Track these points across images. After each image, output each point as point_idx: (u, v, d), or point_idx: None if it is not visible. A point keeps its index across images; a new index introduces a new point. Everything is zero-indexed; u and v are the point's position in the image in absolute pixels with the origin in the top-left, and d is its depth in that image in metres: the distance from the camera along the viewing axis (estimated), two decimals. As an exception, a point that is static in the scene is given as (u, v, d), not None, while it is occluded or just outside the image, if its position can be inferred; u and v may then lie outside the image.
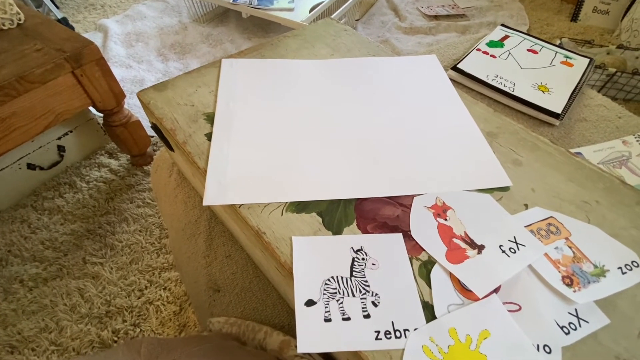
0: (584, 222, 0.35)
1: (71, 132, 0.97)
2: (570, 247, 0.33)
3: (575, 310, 0.29)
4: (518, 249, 0.32)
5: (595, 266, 0.32)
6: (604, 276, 0.31)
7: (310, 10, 1.23)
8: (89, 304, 0.79)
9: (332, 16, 1.21)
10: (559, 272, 0.31)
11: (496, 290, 0.30)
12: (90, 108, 0.92)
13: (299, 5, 1.27)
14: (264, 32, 1.49)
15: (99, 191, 0.98)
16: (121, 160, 1.05)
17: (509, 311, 0.29)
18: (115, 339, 0.75)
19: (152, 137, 1.07)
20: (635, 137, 0.60)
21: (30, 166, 0.92)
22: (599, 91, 1.18)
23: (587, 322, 0.29)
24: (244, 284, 0.43)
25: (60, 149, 0.97)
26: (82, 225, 0.91)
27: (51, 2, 1.41)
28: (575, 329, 0.28)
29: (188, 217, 0.51)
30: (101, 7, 1.65)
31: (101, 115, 0.89)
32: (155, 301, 0.79)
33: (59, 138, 0.95)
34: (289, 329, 0.39)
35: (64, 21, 1.42)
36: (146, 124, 1.00)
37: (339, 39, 0.58)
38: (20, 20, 0.79)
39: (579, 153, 0.58)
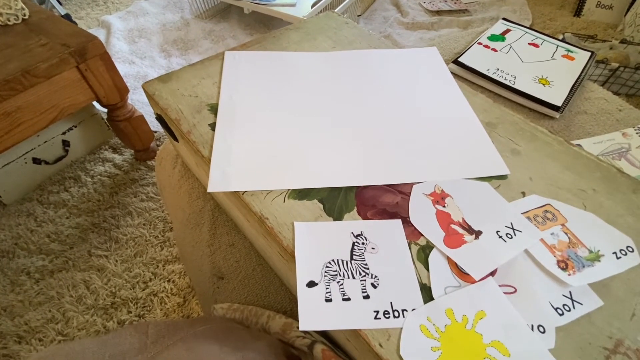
0: (580, 209, 0.36)
1: (76, 127, 0.98)
2: (566, 233, 0.34)
3: (570, 292, 0.30)
4: (515, 235, 0.33)
5: (590, 251, 0.33)
6: (599, 261, 0.32)
7: (312, 6, 1.23)
8: (94, 295, 0.80)
9: (334, 11, 1.21)
10: (554, 256, 0.32)
11: (492, 274, 0.31)
12: (95, 103, 0.93)
13: (301, 0, 1.27)
14: (265, 28, 1.49)
15: (104, 185, 0.99)
16: (125, 155, 1.06)
17: (505, 293, 0.29)
18: (121, 329, 0.77)
19: (156, 132, 1.08)
20: (635, 130, 0.61)
21: (36, 160, 0.94)
22: (601, 86, 1.18)
23: (581, 304, 0.29)
24: (247, 271, 0.44)
25: (65, 143, 0.98)
26: (87, 218, 0.92)
27: (55, -1, 1.42)
28: (569, 311, 0.29)
29: (192, 208, 0.51)
30: (104, 3, 1.66)
31: (105, 110, 0.90)
32: (160, 293, 0.81)
33: (64, 133, 0.97)
34: (291, 314, 0.40)
35: (67, 17, 1.43)
36: (149, 119, 1.01)
37: (341, 32, 0.58)
38: (25, 15, 0.80)
39: (579, 145, 0.59)
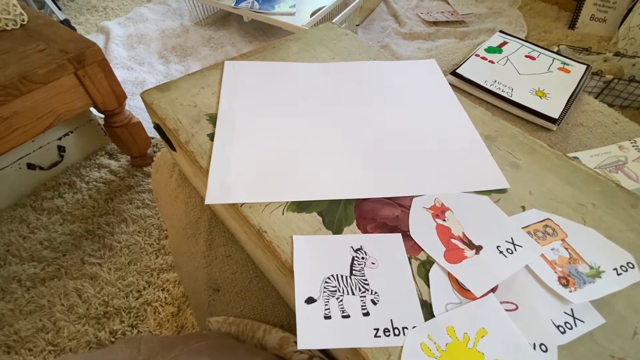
0: (580, 224, 0.36)
1: (72, 132, 0.98)
2: (566, 249, 0.34)
3: (571, 310, 0.30)
4: (515, 250, 0.33)
5: (591, 267, 0.32)
6: (600, 277, 0.32)
7: (311, 15, 1.24)
8: (86, 304, 0.78)
9: (333, 21, 1.22)
10: (555, 272, 0.32)
11: (494, 290, 0.30)
12: (92, 109, 0.92)
13: (300, 9, 1.28)
14: (265, 36, 1.50)
15: (99, 192, 0.98)
16: (121, 161, 1.05)
17: (506, 310, 0.29)
18: (113, 339, 0.75)
19: (153, 138, 1.08)
20: (632, 143, 0.61)
21: (30, 166, 0.92)
22: (596, 98, 1.19)
23: (583, 321, 0.29)
24: (243, 284, 0.44)
25: (61, 149, 0.97)
26: (81, 225, 0.91)
27: (54, 4, 1.42)
28: (571, 328, 0.29)
29: (188, 217, 0.51)
30: (103, 9, 1.66)
31: (102, 116, 0.89)
32: (154, 302, 0.79)
33: (60, 138, 0.96)
34: (288, 328, 0.39)
35: (66, 23, 1.43)
36: (147, 125, 1.00)
37: (340, 43, 0.59)
38: (23, 21, 0.80)
39: (576, 158, 0.59)
